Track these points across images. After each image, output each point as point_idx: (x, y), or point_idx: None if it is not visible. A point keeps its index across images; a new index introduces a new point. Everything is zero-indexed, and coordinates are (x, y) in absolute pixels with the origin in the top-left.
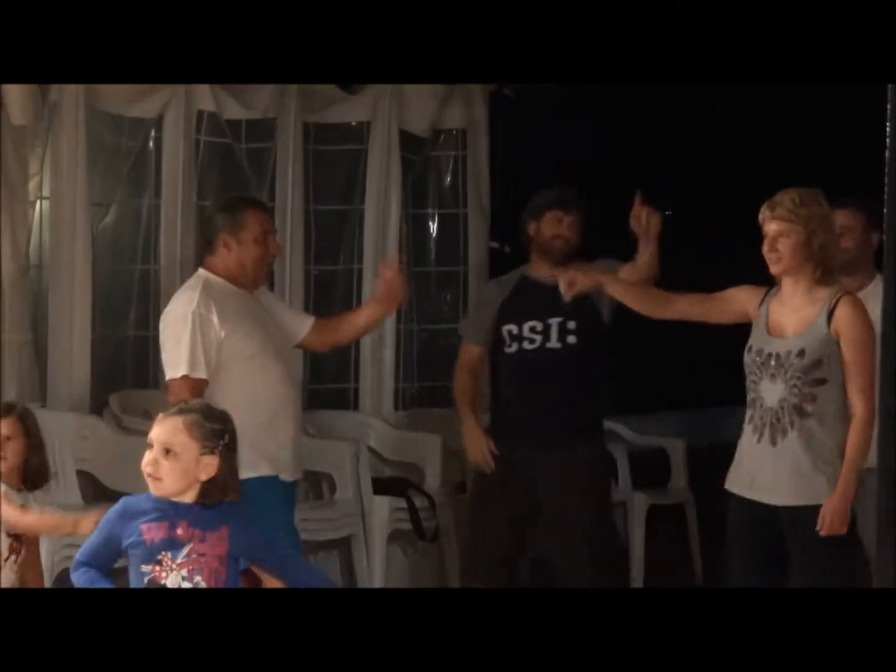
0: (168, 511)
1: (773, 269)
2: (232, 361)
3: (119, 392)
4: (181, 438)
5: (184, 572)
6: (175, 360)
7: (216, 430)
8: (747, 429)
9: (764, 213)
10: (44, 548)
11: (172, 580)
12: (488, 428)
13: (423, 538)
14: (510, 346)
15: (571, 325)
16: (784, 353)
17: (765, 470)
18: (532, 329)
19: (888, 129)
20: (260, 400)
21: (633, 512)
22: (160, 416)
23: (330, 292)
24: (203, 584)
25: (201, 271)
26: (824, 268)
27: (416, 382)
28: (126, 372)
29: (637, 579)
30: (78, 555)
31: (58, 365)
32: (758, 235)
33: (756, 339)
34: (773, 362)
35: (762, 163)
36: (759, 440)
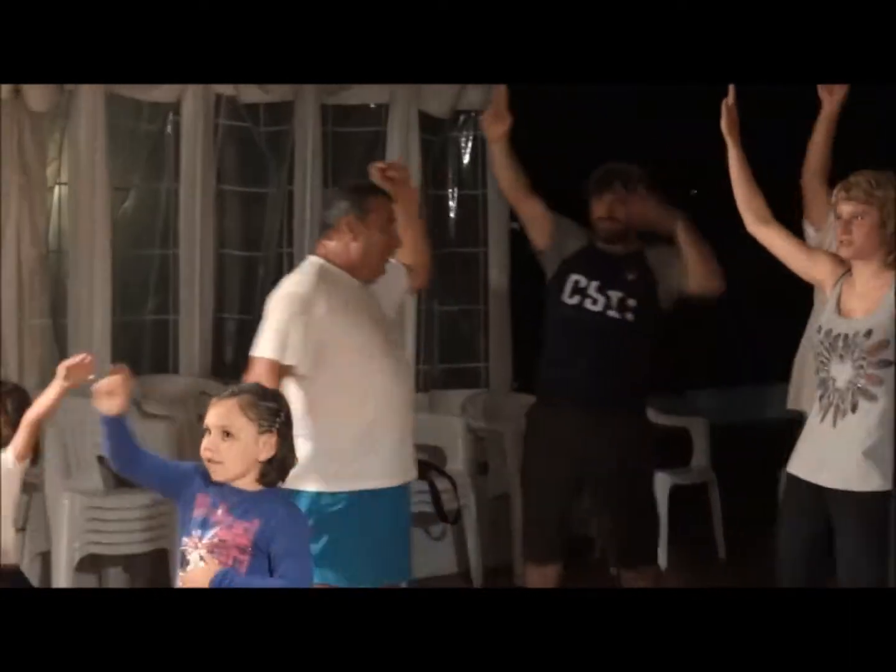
0: (218, 490)
1: (845, 252)
2: (339, 353)
3: (139, 377)
4: (238, 419)
5: (203, 552)
6: (266, 340)
7: (271, 409)
8: (816, 408)
9: (838, 195)
10: (64, 536)
11: (194, 558)
12: (537, 380)
13: (444, 520)
14: (572, 297)
15: (632, 302)
16: (852, 334)
17: (822, 450)
18: (599, 289)
19: None
20: (363, 399)
21: (656, 492)
22: (214, 400)
23: None
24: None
25: (314, 258)
26: None
27: (436, 364)
28: (146, 357)
29: (661, 559)
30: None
31: (78, 350)
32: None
33: (826, 320)
34: (840, 343)
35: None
36: (822, 420)
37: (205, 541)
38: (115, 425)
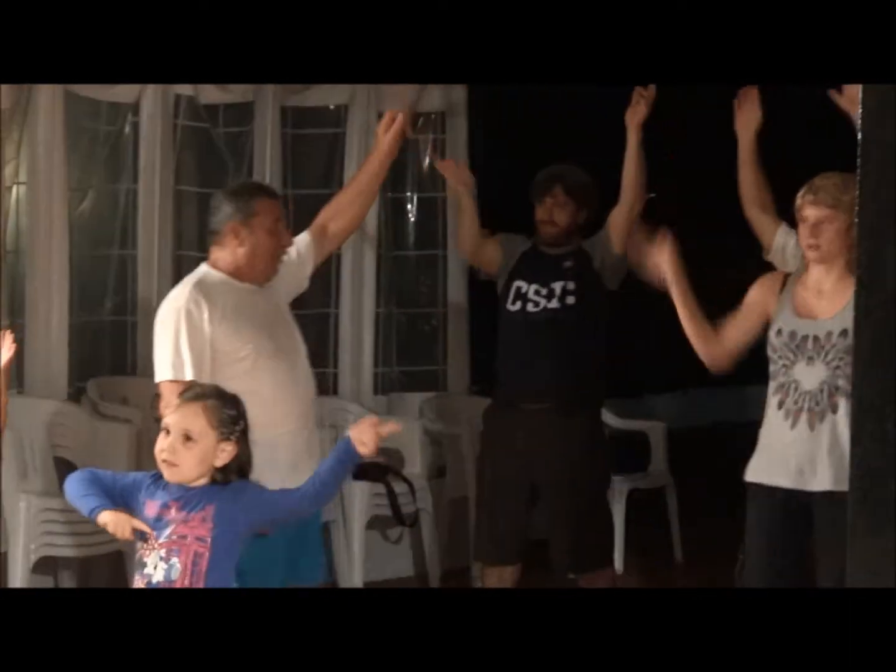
0: (165, 490)
1: (811, 257)
2: (225, 362)
3: (97, 378)
4: (201, 424)
5: (162, 552)
6: (162, 363)
7: (232, 416)
8: (776, 415)
9: (803, 198)
10: (20, 537)
11: (152, 560)
12: (493, 387)
13: (402, 524)
14: (514, 303)
15: (571, 286)
16: (823, 336)
17: (800, 456)
18: (537, 292)
19: (860, 127)
20: (259, 402)
21: (613, 496)
22: (176, 401)
23: None
24: (179, 567)
25: (203, 266)
26: None
27: (395, 367)
28: (103, 358)
29: (617, 562)
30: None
31: (35, 351)
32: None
33: (784, 322)
34: (809, 345)
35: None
36: (793, 426)
37: (161, 540)
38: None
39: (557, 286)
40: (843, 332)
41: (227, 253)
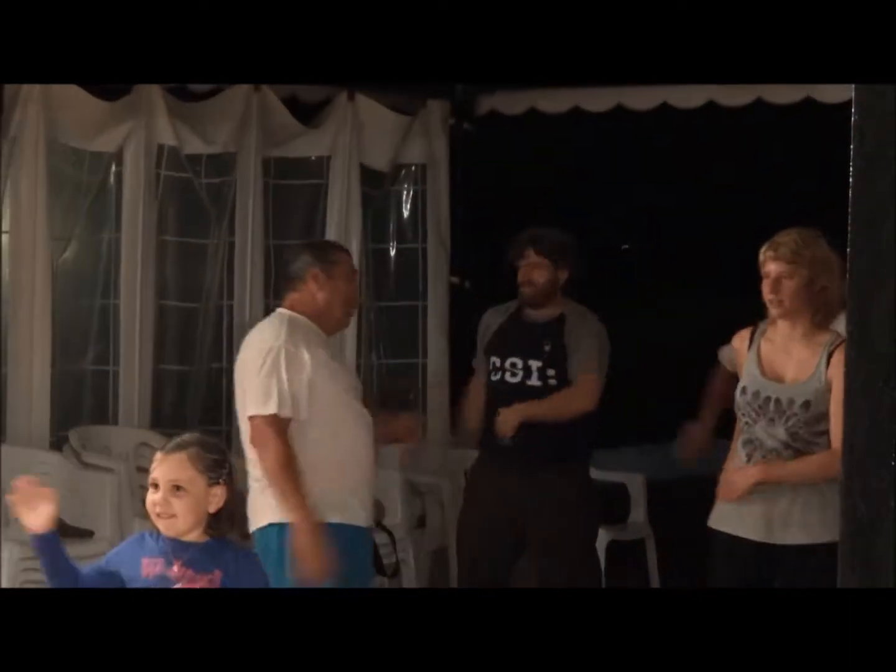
0: (167, 548)
1: (775, 312)
2: (317, 403)
3: (79, 427)
4: (188, 472)
5: None
6: (263, 396)
7: (217, 461)
8: (741, 466)
9: (765, 254)
10: (2, 582)
11: None
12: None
13: (383, 574)
14: (495, 375)
15: (551, 371)
16: (785, 401)
17: (763, 507)
18: (513, 365)
19: (853, 135)
20: (342, 444)
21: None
22: (158, 454)
23: None
24: None
25: (282, 310)
26: (825, 311)
27: (376, 416)
28: (86, 407)
29: None
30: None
31: (17, 399)
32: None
33: (750, 381)
34: (771, 407)
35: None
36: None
37: None
38: (47, 545)
39: (536, 364)
40: (806, 404)
41: (307, 297)
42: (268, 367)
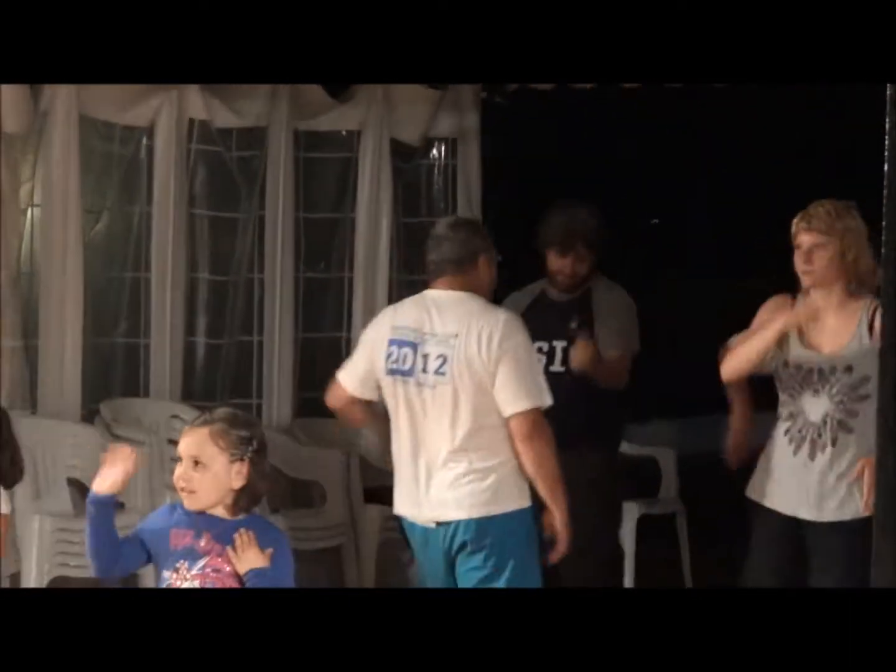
0: (197, 520)
1: (807, 282)
2: None
3: (110, 400)
4: (209, 448)
5: (196, 583)
6: (535, 388)
7: (243, 437)
8: (782, 440)
9: (798, 225)
10: (33, 558)
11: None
12: None
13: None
14: None
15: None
16: (828, 369)
17: (798, 483)
18: (539, 350)
19: (887, 129)
20: None
21: (623, 521)
22: (186, 428)
23: (320, 300)
24: None
25: (464, 294)
26: (858, 281)
27: None
28: (117, 380)
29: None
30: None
31: (49, 372)
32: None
33: (792, 354)
34: (815, 377)
35: (766, 166)
36: (795, 452)
37: (194, 571)
38: (102, 507)
39: (559, 346)
40: (848, 368)
41: (474, 281)
42: (532, 357)
